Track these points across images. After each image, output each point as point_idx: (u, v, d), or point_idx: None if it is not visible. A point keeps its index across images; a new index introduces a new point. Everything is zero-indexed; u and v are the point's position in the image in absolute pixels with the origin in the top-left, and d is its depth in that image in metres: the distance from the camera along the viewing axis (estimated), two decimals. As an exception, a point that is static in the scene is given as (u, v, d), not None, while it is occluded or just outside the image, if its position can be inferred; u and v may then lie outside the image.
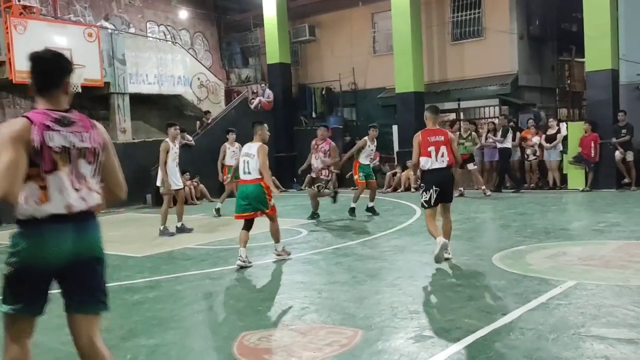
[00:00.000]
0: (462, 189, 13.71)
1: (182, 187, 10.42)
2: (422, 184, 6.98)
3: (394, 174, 16.32)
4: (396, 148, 17.30)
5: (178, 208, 10.23)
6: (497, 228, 9.74)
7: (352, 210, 11.11)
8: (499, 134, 14.38)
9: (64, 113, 2.95)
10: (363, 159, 11.24)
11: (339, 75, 19.90)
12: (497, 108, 17.75)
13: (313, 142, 11.14)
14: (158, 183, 10.11)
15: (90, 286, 3.00)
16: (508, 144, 14.31)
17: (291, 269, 7.13)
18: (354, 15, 19.97)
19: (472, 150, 13.86)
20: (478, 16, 17.71)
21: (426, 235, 8.76)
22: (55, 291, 3.00)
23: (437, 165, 6.83)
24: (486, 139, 15.03)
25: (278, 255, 7.55)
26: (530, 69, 17.93)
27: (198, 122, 18.65)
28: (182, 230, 10.19)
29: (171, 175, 9.88)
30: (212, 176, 13.63)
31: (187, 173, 15.53)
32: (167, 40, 19.86)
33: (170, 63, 18.17)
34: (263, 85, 19.82)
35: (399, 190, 15.70)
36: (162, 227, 10.03)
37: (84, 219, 2.88)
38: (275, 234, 7.44)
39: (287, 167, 17.77)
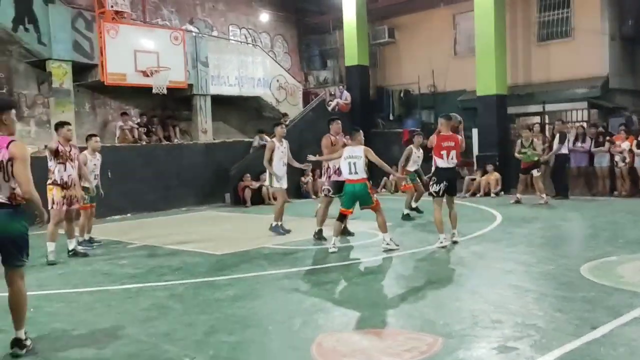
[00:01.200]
0: (519, 195, 13.28)
1: (284, 187, 10.11)
2: (434, 178, 8.34)
3: (473, 179, 15.92)
4: (476, 152, 16.87)
5: (275, 207, 10.17)
6: (585, 237, 9.30)
7: (406, 216, 11.37)
8: (556, 139, 13.76)
9: None
10: (411, 166, 11.68)
11: (417, 77, 19.66)
12: (585, 112, 16.95)
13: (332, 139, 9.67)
14: (266, 182, 10.32)
15: (10, 252, 4.43)
16: (565, 149, 13.84)
17: (368, 272, 7.09)
18: (435, 16, 19.66)
19: (535, 158, 13.22)
20: (567, 16, 16.99)
21: (508, 242, 8.54)
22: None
23: (447, 165, 8.30)
24: (574, 143, 14.46)
25: (387, 245, 8.14)
26: (623, 71, 17.01)
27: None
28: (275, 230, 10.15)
29: (277, 176, 9.86)
30: (288, 177, 13.70)
31: (265, 173, 15.79)
32: (248, 43, 20.29)
33: (251, 65, 18.55)
34: (341, 87, 19.87)
35: (478, 195, 15.31)
36: (274, 224, 9.89)
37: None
38: (383, 226, 8.20)
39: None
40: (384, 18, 20.63)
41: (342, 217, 8.42)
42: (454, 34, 19.54)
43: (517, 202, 13.18)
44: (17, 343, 4.43)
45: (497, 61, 16.32)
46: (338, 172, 8.96)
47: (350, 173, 8.19)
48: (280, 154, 9.95)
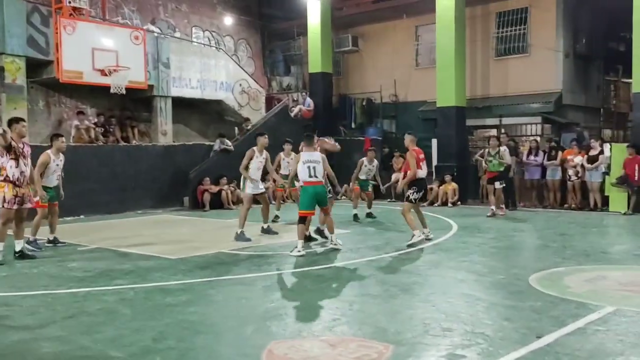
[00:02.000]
0: (493, 208, 13.06)
1: (263, 191, 10.30)
2: (415, 187, 9.38)
3: (431, 189, 16.12)
4: (435, 162, 17.12)
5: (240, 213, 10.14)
6: (535, 248, 9.51)
7: (355, 216, 12.47)
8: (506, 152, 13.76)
9: None
10: (361, 175, 12.95)
11: (380, 86, 19.86)
12: (539, 126, 17.41)
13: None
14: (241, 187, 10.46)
15: None
16: (512, 162, 14.08)
17: (323, 279, 7.09)
18: (398, 27, 19.90)
19: (502, 168, 13.25)
20: (523, 32, 17.42)
21: (462, 251, 8.68)
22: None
23: (423, 175, 9.58)
24: (527, 157, 14.83)
25: (334, 244, 8.82)
26: (575, 88, 17.56)
27: (237, 128, 18.83)
28: (267, 231, 10.41)
29: (252, 180, 9.95)
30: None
31: (225, 178, 15.67)
32: (211, 46, 20.14)
33: (214, 68, 18.41)
34: (304, 93, 19.91)
35: (435, 205, 15.52)
36: (239, 231, 9.80)
37: None
38: (331, 227, 8.92)
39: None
40: (349, 26, 20.78)
41: (303, 220, 8.60)
42: (416, 45, 19.82)
43: (493, 215, 12.91)
44: None
45: (456, 73, 16.62)
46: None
47: (310, 176, 8.53)
48: (258, 163, 10.05)
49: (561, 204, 14.56)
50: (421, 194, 9.52)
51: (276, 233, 10.39)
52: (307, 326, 5.09)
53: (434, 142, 17.43)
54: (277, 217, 12.21)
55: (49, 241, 9.48)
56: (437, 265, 7.70)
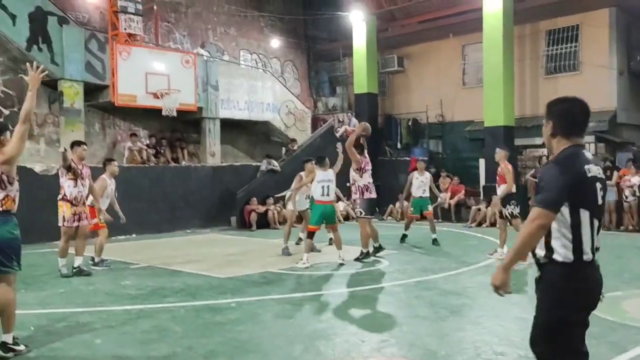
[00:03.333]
0: None
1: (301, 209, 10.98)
2: (514, 201, 9.26)
3: (479, 209, 15.89)
4: (482, 182, 16.85)
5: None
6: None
7: (403, 237, 11.92)
8: None
9: None
10: (415, 191, 11.92)
11: (426, 106, 19.77)
12: (593, 145, 16.94)
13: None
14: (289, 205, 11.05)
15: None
16: None
17: (371, 300, 7.04)
18: (444, 46, 19.83)
19: None
20: (574, 50, 17.10)
21: (514, 273, 8.43)
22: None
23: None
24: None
25: (341, 260, 9.20)
26: (630, 106, 17.06)
27: (283, 148, 19.03)
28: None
29: (300, 198, 10.71)
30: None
31: (271, 198, 15.83)
32: (258, 68, 20.51)
33: (261, 90, 18.72)
34: (350, 114, 19.99)
35: (484, 225, 15.24)
36: (283, 246, 10.49)
37: None
38: (339, 243, 9.39)
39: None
40: (394, 47, 20.82)
41: (312, 235, 9.31)
42: (463, 64, 19.69)
43: None
44: (2, 346, 4.68)
45: (504, 93, 16.40)
46: (366, 189, 9.57)
47: (323, 195, 9.25)
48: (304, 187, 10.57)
49: (617, 226, 14.10)
50: (519, 207, 9.40)
51: (319, 251, 10.69)
52: (355, 347, 5.06)
53: (482, 162, 17.17)
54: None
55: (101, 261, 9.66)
56: (486, 287, 7.47)
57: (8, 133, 4.90)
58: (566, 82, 17.14)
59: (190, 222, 15.53)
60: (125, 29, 14.80)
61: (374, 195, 9.73)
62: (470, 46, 19.23)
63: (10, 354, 4.66)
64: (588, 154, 3.12)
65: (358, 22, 19.61)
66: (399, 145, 20.37)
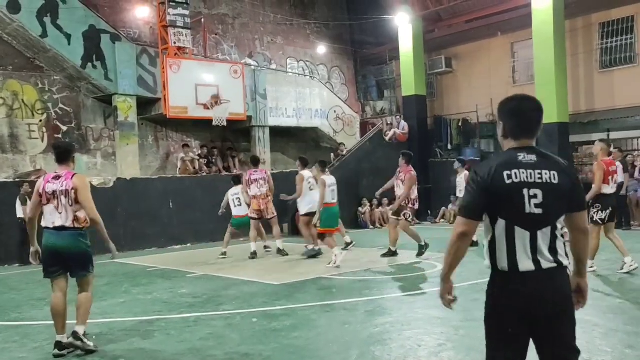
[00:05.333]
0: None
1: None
2: (599, 205, 8.26)
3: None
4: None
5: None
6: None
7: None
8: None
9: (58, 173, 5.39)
10: (459, 193, 12.24)
11: (476, 106, 19.39)
12: (652, 140, 16.32)
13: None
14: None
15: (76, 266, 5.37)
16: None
17: (426, 304, 6.94)
18: (493, 45, 19.47)
19: None
20: (630, 42, 16.49)
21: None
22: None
23: (611, 191, 8.28)
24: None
25: (335, 257, 9.62)
26: (692, 97, 16.33)
27: (332, 154, 19.05)
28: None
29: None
30: (345, 207, 13.73)
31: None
32: (305, 75, 20.63)
33: (308, 97, 18.82)
34: (398, 117, 19.86)
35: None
36: (311, 247, 11.09)
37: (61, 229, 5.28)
38: (332, 244, 9.92)
39: (421, 199, 17.47)
40: (441, 48, 20.58)
41: (322, 237, 10.05)
42: (513, 62, 19.27)
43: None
44: (74, 334, 5.24)
45: (557, 89, 15.95)
46: (415, 201, 10.57)
47: (333, 198, 10.13)
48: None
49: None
50: (607, 212, 8.15)
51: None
52: (412, 351, 5.00)
53: (537, 160, 16.72)
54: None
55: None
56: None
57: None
58: (622, 75, 16.57)
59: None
60: (174, 42, 15.15)
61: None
62: (519, 43, 18.81)
63: (78, 343, 5.18)
64: (529, 157, 2.83)
65: (404, 25, 19.47)
66: (449, 146, 20.08)
